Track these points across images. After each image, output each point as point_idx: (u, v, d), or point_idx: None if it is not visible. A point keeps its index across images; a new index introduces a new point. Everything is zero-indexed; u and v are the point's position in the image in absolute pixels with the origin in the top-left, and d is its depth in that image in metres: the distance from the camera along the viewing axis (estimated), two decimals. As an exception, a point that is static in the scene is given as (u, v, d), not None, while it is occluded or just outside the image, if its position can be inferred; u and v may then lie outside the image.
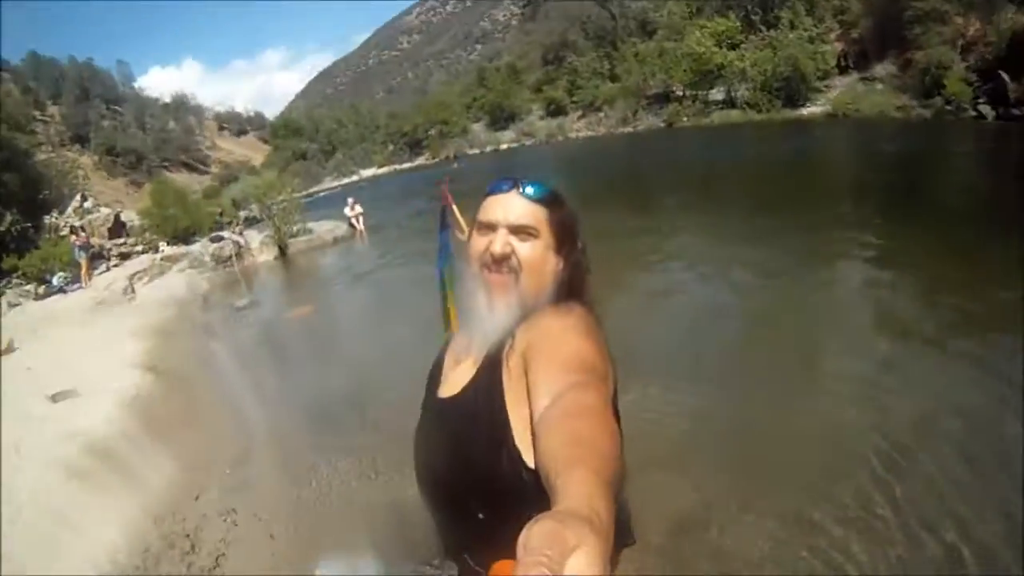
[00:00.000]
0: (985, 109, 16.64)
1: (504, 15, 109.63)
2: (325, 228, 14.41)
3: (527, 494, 0.93)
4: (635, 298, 5.79)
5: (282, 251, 13.16)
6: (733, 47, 27.46)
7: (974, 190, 9.87)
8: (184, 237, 16.49)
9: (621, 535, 1.15)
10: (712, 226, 8.69)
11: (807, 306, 5.20)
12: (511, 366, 1.08)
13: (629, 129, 31.46)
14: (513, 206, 1.15)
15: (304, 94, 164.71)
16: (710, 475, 2.85)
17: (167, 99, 79.26)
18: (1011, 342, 3.81)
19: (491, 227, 1.15)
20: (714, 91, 28.05)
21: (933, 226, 7.25)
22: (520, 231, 1.13)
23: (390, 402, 3.79)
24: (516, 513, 0.61)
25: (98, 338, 7.44)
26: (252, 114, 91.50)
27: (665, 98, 30.76)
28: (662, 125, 29.56)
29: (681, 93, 29.74)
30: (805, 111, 23.87)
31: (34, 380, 5.79)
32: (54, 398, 5.05)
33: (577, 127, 35.51)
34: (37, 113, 52.12)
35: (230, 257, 12.71)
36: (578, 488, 0.63)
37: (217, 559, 2.97)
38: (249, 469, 3.83)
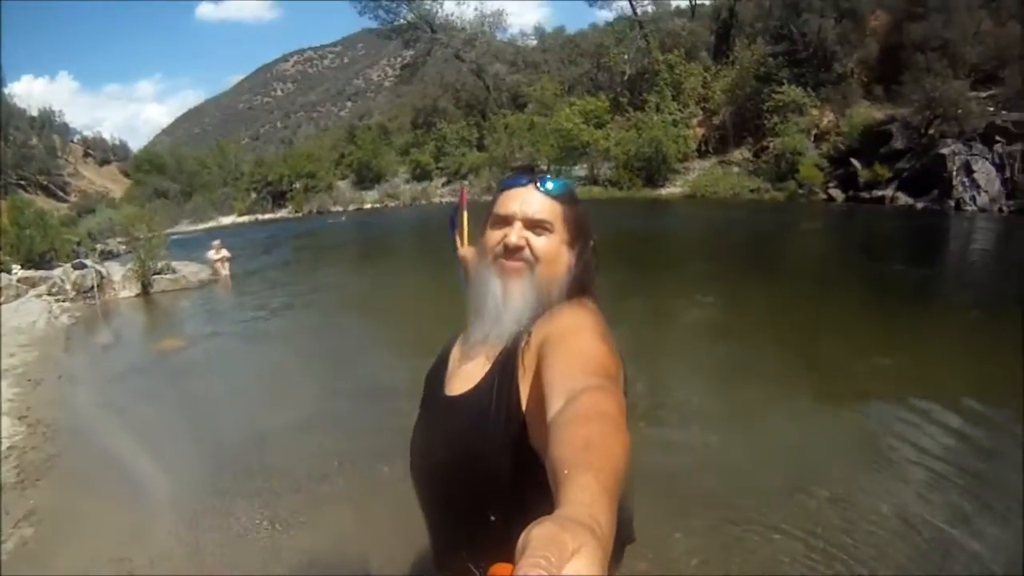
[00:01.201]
0: (836, 192, 16.86)
1: (379, 75, 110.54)
2: (190, 270, 13.09)
3: (542, 493, 0.78)
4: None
5: (145, 288, 12.08)
6: (600, 126, 27.41)
7: (820, 256, 10.79)
8: (39, 261, 15.37)
9: (623, 532, 1.11)
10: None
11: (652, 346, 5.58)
12: (526, 363, 1.03)
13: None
14: (530, 200, 1.13)
15: (170, 130, 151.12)
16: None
17: (34, 112, 69.84)
18: (843, 374, 4.72)
19: (507, 220, 1.13)
20: (578, 167, 27.59)
21: (777, 283, 8.21)
22: (536, 225, 1.11)
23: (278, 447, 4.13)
24: (531, 514, 0.55)
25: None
26: (117, 142, 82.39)
27: (530, 170, 29.85)
28: (526, 196, 28.55)
29: (546, 167, 28.99)
30: (664, 191, 23.86)
31: None
32: None
33: (441, 192, 34.21)
34: None
35: (92, 288, 11.67)
36: (581, 494, 0.61)
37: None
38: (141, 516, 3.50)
